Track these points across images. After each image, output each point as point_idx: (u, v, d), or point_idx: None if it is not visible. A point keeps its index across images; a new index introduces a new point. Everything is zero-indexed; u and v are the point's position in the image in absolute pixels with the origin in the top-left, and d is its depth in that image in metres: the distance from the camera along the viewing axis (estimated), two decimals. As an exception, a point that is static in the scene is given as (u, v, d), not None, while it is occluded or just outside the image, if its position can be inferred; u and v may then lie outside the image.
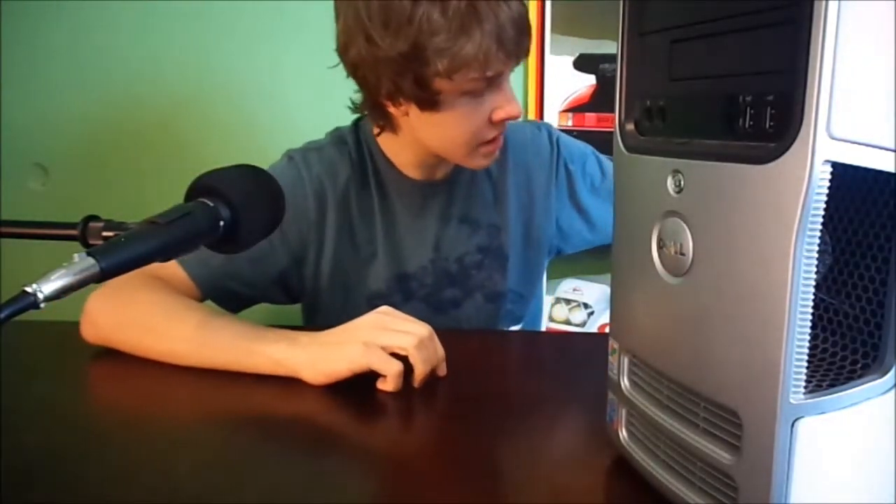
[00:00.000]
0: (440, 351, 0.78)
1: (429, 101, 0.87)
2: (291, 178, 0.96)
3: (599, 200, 1.12)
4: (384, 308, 0.79)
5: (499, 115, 0.90)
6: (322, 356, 0.75)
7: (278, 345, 0.77)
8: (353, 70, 0.89)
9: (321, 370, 0.75)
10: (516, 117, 0.91)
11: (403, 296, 1.03)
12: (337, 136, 1.04)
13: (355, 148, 1.02)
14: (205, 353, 0.79)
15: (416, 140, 0.95)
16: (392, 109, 0.91)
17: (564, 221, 1.12)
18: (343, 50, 0.89)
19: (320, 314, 1.03)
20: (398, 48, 0.82)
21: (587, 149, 1.15)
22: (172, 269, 0.89)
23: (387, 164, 1.02)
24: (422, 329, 0.76)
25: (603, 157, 1.14)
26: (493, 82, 0.88)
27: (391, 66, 0.84)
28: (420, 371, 0.74)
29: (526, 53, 0.89)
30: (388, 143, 1.01)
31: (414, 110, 0.89)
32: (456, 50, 0.82)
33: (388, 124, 0.95)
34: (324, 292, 1.01)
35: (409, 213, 1.03)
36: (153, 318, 0.83)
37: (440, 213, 1.04)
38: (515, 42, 0.85)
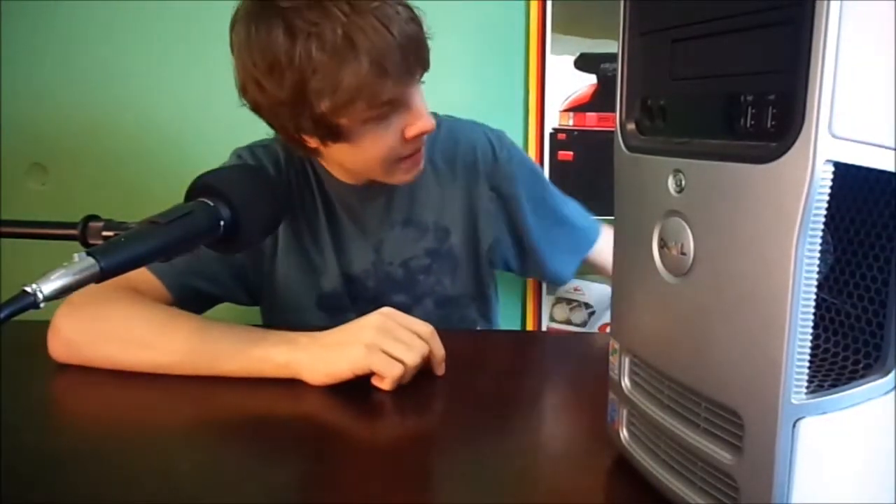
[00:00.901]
0: (440, 351, 0.78)
1: (333, 135, 0.85)
2: None
3: (538, 224, 1.09)
4: (387, 310, 0.77)
5: (411, 132, 0.88)
6: (324, 357, 0.75)
7: (278, 348, 0.76)
8: (256, 111, 0.88)
9: (323, 371, 0.75)
10: (430, 131, 0.90)
11: (351, 298, 1.02)
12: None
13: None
14: (201, 363, 0.77)
15: (339, 163, 0.95)
16: (306, 142, 0.89)
17: (500, 233, 1.09)
18: (242, 92, 0.87)
19: (275, 314, 1.03)
20: (284, 93, 0.81)
21: (538, 169, 1.12)
22: (140, 273, 0.86)
23: (325, 171, 1.00)
24: (423, 346, 0.76)
25: (548, 182, 1.12)
26: (397, 103, 0.85)
27: (284, 110, 0.83)
28: (397, 384, 0.74)
29: (424, 67, 0.87)
30: (320, 160, 0.99)
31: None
32: (336, 86, 0.79)
33: (310, 153, 0.93)
34: (278, 288, 1.01)
35: (349, 215, 1.02)
36: (136, 332, 0.81)
37: (380, 217, 1.03)
38: (403, 65, 0.82)
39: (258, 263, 1.00)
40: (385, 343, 0.74)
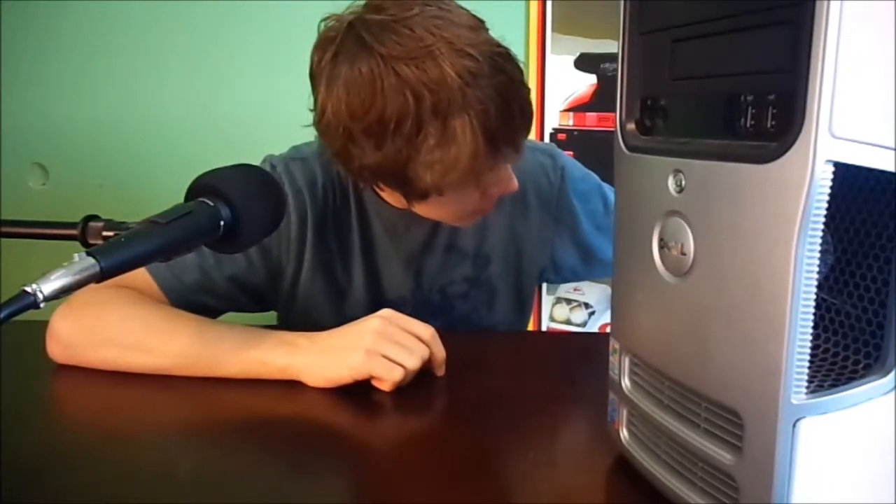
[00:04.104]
0: (440, 353, 0.77)
1: (421, 198, 0.81)
2: None
3: (600, 238, 1.05)
4: (387, 313, 0.77)
5: (494, 192, 0.85)
6: (324, 362, 0.74)
7: (277, 351, 0.76)
8: (334, 153, 0.81)
9: (322, 375, 0.74)
10: (513, 192, 0.87)
11: None
12: (322, 144, 0.94)
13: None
14: (199, 366, 0.77)
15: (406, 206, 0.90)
16: (381, 189, 0.87)
17: (559, 255, 1.05)
18: (323, 130, 0.79)
19: (292, 325, 0.97)
20: (381, 156, 0.75)
21: (593, 182, 1.07)
22: (142, 280, 0.84)
23: (372, 194, 0.93)
24: (423, 350, 0.75)
25: (607, 189, 1.06)
26: (494, 169, 0.82)
27: (375, 168, 0.77)
28: (398, 385, 0.73)
29: (527, 135, 0.82)
30: None
31: None
32: (447, 165, 0.74)
33: (374, 188, 0.90)
34: (297, 311, 0.97)
35: (388, 238, 0.96)
36: (133, 335, 0.79)
37: (424, 241, 0.97)
38: (516, 142, 0.79)
39: (277, 285, 0.95)
40: (385, 348, 0.73)
